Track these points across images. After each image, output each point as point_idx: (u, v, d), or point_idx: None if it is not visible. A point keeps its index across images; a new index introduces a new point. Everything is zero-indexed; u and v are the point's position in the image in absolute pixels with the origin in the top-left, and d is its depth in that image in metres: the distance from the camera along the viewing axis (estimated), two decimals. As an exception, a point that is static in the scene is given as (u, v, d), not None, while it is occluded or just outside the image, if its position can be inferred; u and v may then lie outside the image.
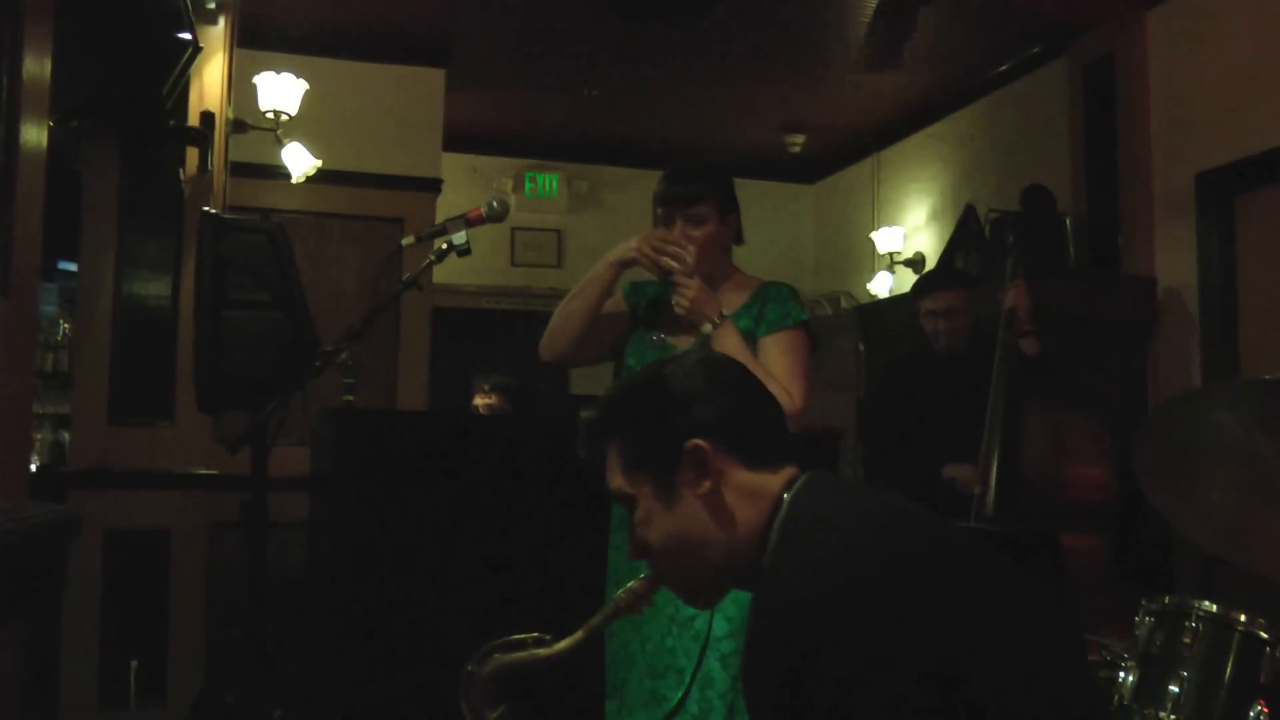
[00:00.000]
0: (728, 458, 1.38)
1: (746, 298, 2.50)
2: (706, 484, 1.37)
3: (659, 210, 2.49)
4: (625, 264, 2.47)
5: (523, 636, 1.55)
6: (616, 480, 1.43)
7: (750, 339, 2.43)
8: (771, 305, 2.46)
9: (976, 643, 1.19)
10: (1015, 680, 1.19)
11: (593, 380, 5.91)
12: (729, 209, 2.51)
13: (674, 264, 2.39)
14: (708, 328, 2.37)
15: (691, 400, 1.40)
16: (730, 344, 2.36)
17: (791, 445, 1.45)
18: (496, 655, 1.55)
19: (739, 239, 2.58)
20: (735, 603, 2.28)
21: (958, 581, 1.25)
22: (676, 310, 2.41)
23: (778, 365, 2.40)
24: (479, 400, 5.28)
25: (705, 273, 2.47)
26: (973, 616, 1.21)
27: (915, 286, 3.94)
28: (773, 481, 1.38)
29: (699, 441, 1.36)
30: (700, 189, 2.46)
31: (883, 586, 1.20)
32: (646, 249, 2.41)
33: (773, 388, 2.32)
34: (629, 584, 1.52)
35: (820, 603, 1.20)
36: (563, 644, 1.52)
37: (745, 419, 1.41)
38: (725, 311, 2.40)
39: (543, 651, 1.53)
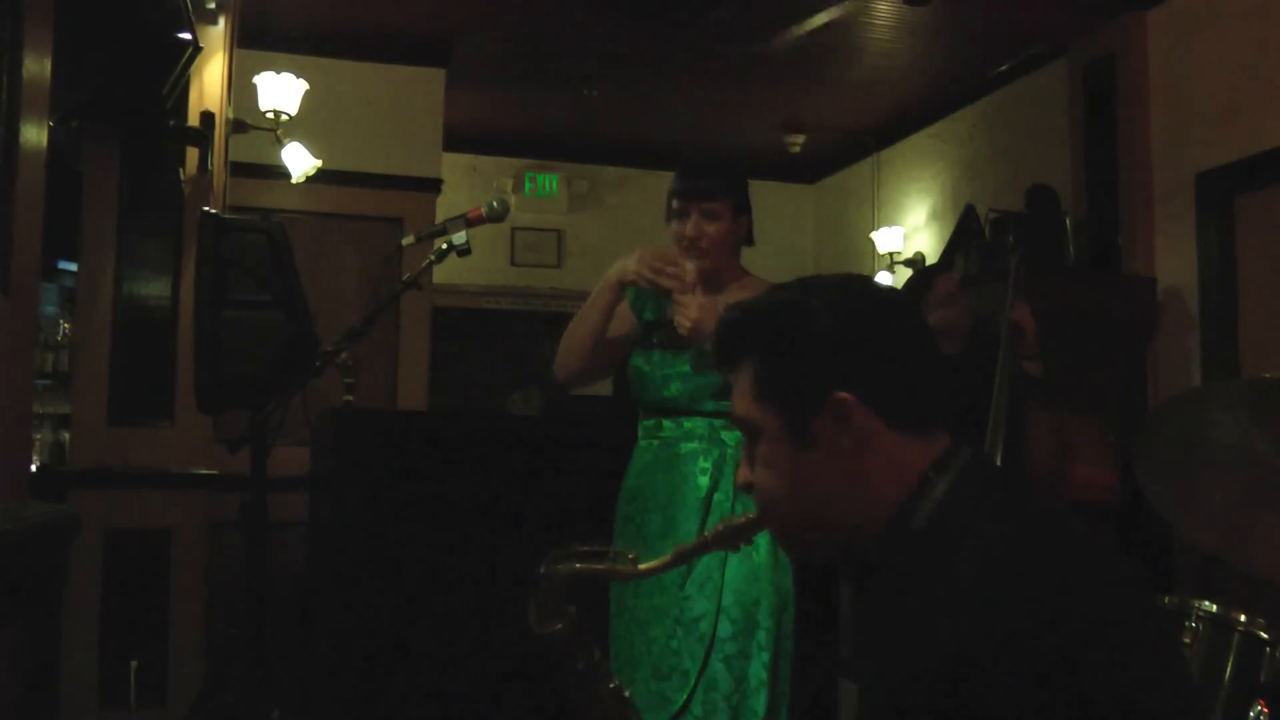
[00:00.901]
0: (876, 417, 1.20)
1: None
2: (846, 439, 1.20)
3: (674, 203, 2.50)
4: (625, 284, 2.47)
5: (602, 548, 1.47)
6: (744, 403, 1.27)
7: None
8: None
9: (1135, 691, 1.08)
10: (1154, 701, 1.09)
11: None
12: (742, 208, 2.53)
13: (673, 283, 2.40)
14: (708, 346, 2.38)
15: (844, 345, 1.22)
16: None
17: (949, 412, 1.27)
18: (572, 563, 1.46)
19: (749, 240, 2.59)
20: (739, 604, 2.28)
21: (1121, 621, 1.13)
22: (679, 329, 2.42)
23: None
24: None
25: (714, 267, 2.49)
26: (1134, 663, 1.10)
27: (910, 284, 3.88)
28: (921, 452, 1.22)
29: (846, 395, 1.19)
30: (717, 185, 2.49)
31: (1050, 604, 1.08)
32: (645, 270, 2.42)
33: None
34: (729, 519, 1.41)
35: (986, 608, 1.07)
36: (646, 566, 1.44)
37: (903, 378, 1.23)
38: None
39: (622, 568, 1.46)
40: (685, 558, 1.44)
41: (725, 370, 1.31)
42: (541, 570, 1.46)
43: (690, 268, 2.42)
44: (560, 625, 1.46)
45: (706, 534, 1.42)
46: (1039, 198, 4.94)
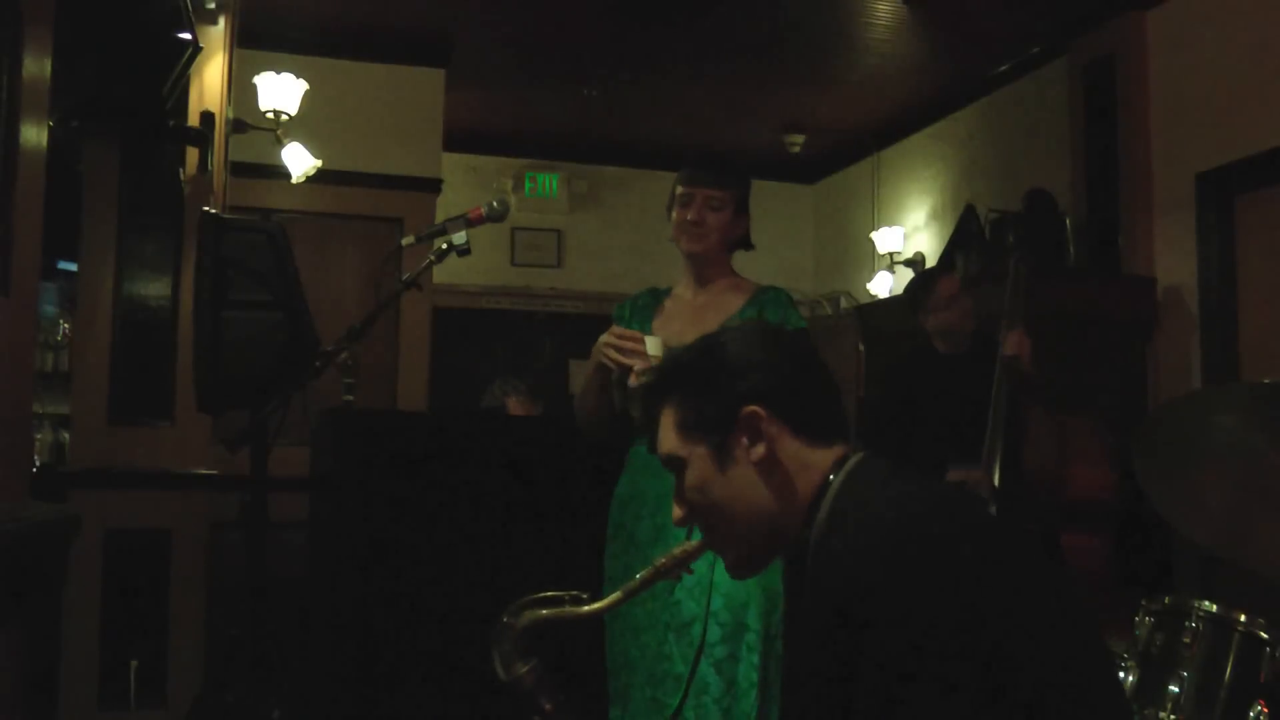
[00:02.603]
0: (782, 426, 1.39)
1: (743, 301, 2.53)
2: (760, 449, 1.38)
3: (679, 189, 2.55)
4: (603, 368, 2.47)
5: (559, 594, 1.57)
6: (670, 442, 1.44)
7: None
8: (770, 311, 2.50)
9: (1026, 631, 1.20)
10: (1060, 668, 1.21)
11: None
12: (743, 208, 2.59)
13: (635, 361, 2.39)
14: None
15: (749, 368, 1.41)
16: None
17: (845, 423, 1.46)
18: (531, 610, 1.57)
19: (747, 244, 2.62)
20: (728, 608, 2.29)
21: (1006, 570, 1.27)
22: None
23: None
24: (514, 408, 5.18)
25: (707, 257, 2.54)
26: (1021, 605, 1.23)
27: (911, 286, 3.87)
28: (824, 456, 1.40)
29: (755, 408, 1.38)
30: (724, 178, 2.54)
31: (938, 572, 1.22)
32: (610, 352, 2.42)
33: None
34: (674, 549, 1.54)
35: (878, 584, 1.21)
36: (600, 603, 1.55)
37: (801, 390, 1.43)
38: (719, 320, 2.42)
39: (578, 609, 1.56)
40: (632, 594, 1.55)
41: (651, 423, 1.48)
42: (502, 620, 1.57)
43: (654, 341, 2.43)
44: (525, 670, 1.56)
45: (653, 567, 1.54)
46: (1037, 202, 4.94)
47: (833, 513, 1.35)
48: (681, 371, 1.47)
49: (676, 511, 1.47)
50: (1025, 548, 1.33)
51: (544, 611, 1.56)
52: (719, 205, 2.52)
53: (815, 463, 1.39)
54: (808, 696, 1.31)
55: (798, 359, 1.46)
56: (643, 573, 1.55)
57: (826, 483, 1.38)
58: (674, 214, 2.56)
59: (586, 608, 1.55)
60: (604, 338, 2.46)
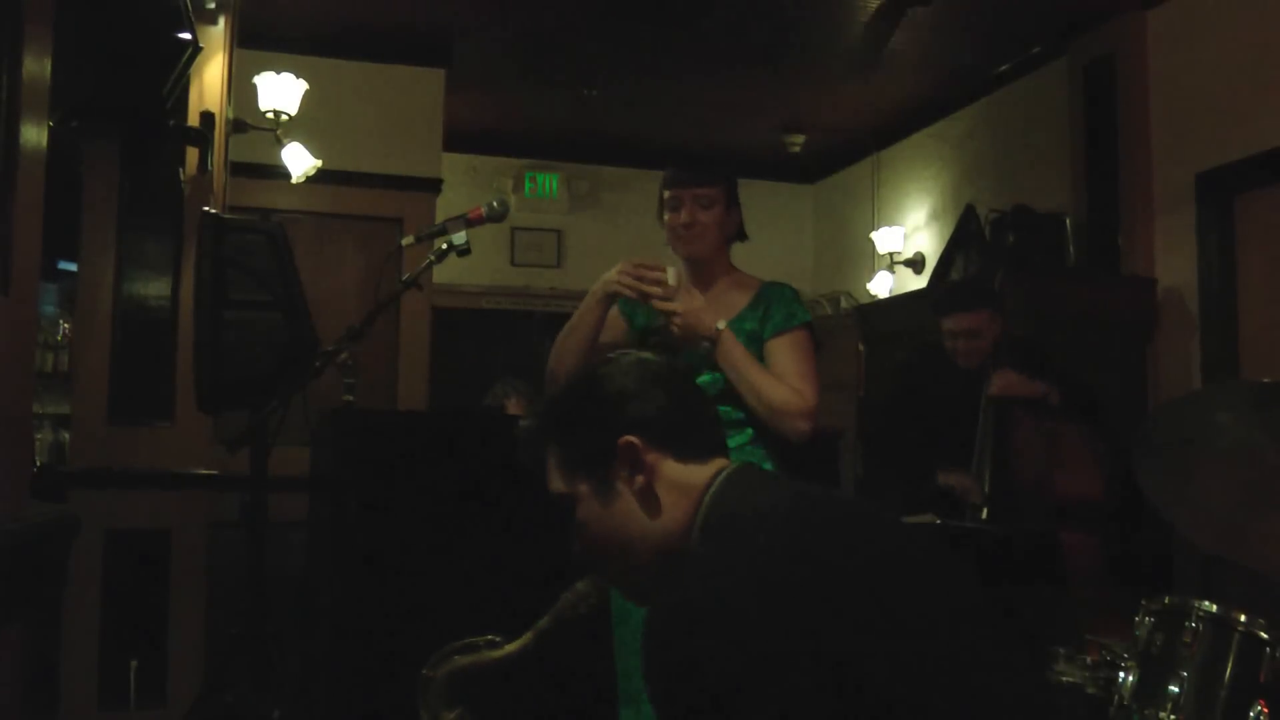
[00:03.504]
0: (660, 453, 1.41)
1: (748, 298, 2.51)
2: (640, 479, 1.41)
3: (666, 193, 2.52)
4: (611, 297, 2.48)
5: (475, 640, 1.59)
6: (556, 483, 1.48)
7: (756, 341, 2.44)
8: (776, 307, 2.48)
9: (880, 637, 1.20)
10: (920, 674, 1.20)
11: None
12: (733, 201, 2.55)
13: (655, 289, 2.40)
14: (706, 345, 2.38)
15: (624, 399, 1.44)
16: (734, 355, 2.38)
17: (724, 440, 1.50)
18: (452, 658, 1.59)
19: (742, 235, 2.60)
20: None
21: (865, 575, 1.27)
22: (674, 330, 2.42)
23: (786, 366, 2.41)
24: (513, 409, 5.17)
25: (706, 258, 2.51)
26: (879, 611, 1.23)
27: (935, 301, 3.83)
28: (702, 474, 1.42)
29: (631, 438, 1.41)
30: (710, 174, 2.51)
31: (784, 582, 1.23)
32: (626, 279, 2.43)
33: (787, 392, 2.35)
34: (575, 584, 1.55)
35: (719, 593, 1.22)
36: (511, 646, 1.56)
37: (677, 415, 1.45)
38: (723, 324, 2.41)
39: (492, 654, 1.57)
40: (544, 635, 1.55)
41: (537, 464, 1.51)
42: (424, 674, 1.59)
43: (672, 272, 2.43)
44: (453, 717, 1.59)
45: (555, 606, 1.55)
46: (1021, 219, 4.95)
47: (705, 526, 1.37)
48: (561, 412, 1.49)
49: (574, 548, 1.49)
50: (899, 554, 1.34)
51: (464, 660, 1.58)
52: (709, 203, 2.49)
53: (694, 481, 1.41)
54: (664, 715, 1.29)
55: (669, 383, 1.47)
56: (549, 613, 1.55)
57: (701, 500, 1.40)
58: (665, 219, 2.53)
59: (500, 651, 1.57)
60: (614, 271, 2.44)
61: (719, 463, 1.44)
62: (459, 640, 1.61)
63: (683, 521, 1.40)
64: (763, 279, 2.58)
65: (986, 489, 3.23)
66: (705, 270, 2.55)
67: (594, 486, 1.43)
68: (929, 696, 1.20)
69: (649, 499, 1.41)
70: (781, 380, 2.39)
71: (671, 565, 1.39)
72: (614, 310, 2.57)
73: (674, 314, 2.40)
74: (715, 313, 2.44)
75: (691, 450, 1.43)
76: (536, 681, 2.46)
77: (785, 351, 2.43)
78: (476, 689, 1.59)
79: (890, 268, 6.82)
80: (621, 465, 1.41)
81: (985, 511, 3.19)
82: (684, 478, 1.41)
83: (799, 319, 2.47)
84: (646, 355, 1.55)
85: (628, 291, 2.43)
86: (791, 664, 1.17)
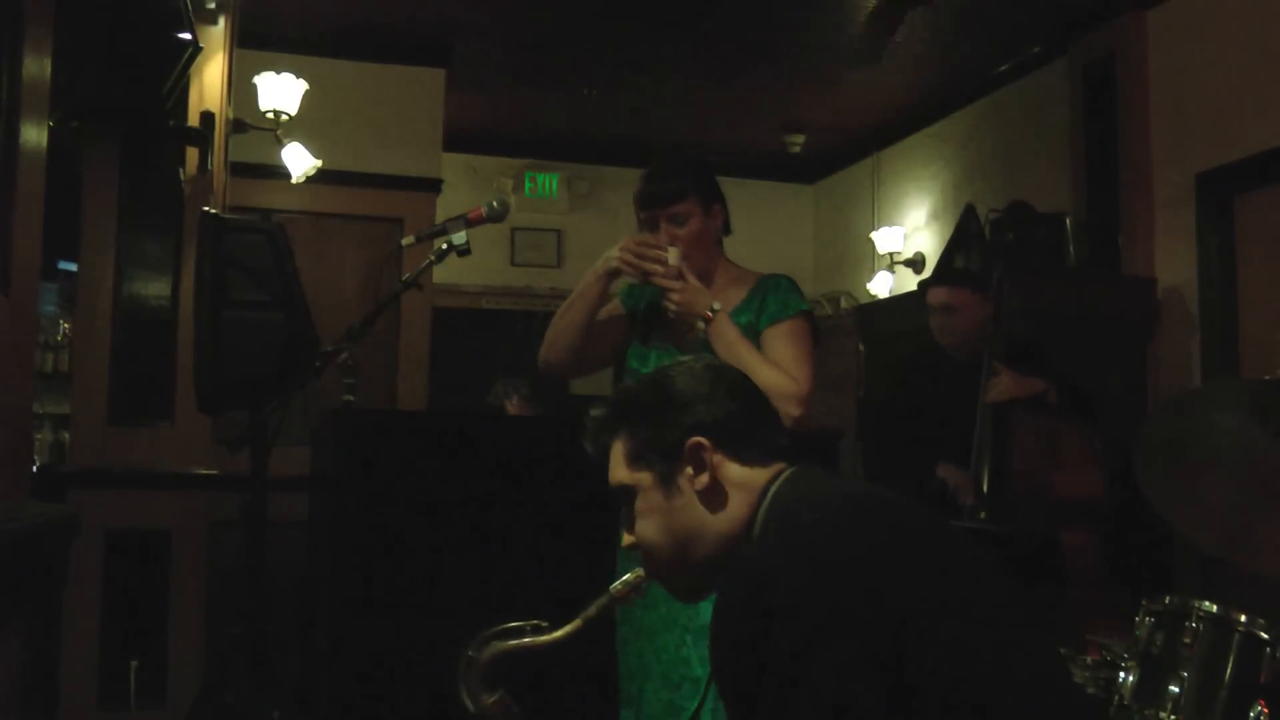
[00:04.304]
0: (724, 455, 1.49)
1: (745, 292, 2.49)
2: (704, 478, 1.47)
3: (641, 214, 2.49)
4: (612, 274, 2.46)
5: (519, 624, 1.63)
6: (620, 472, 1.54)
7: (753, 333, 2.43)
8: (772, 297, 2.46)
9: (926, 622, 1.26)
10: (962, 662, 1.26)
11: (593, 382, 5.91)
12: (711, 200, 2.49)
13: (656, 267, 2.39)
14: (701, 325, 2.37)
15: (694, 401, 1.51)
16: (727, 336, 2.36)
17: (785, 445, 1.55)
18: (494, 642, 1.63)
19: (727, 229, 2.57)
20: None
21: (918, 565, 1.33)
22: (668, 312, 2.41)
23: (781, 353, 2.40)
24: (512, 409, 5.17)
25: (697, 269, 2.46)
26: (927, 599, 1.29)
27: (920, 282, 3.88)
28: (763, 475, 1.49)
29: (699, 439, 1.48)
30: (678, 186, 2.45)
31: (839, 562, 1.29)
32: (628, 256, 2.41)
33: (778, 375, 2.34)
34: (624, 576, 1.60)
35: (777, 573, 1.28)
36: (558, 633, 1.61)
37: (742, 420, 1.52)
38: (719, 305, 2.39)
39: (539, 639, 1.62)
40: (590, 620, 1.61)
41: (601, 455, 1.58)
42: (467, 654, 1.64)
43: (675, 252, 2.41)
44: (492, 701, 1.63)
45: (608, 594, 1.62)
46: (1018, 215, 4.92)
47: (765, 524, 1.44)
48: (631, 405, 1.56)
49: (626, 539, 1.56)
50: (945, 546, 1.39)
51: (508, 643, 1.63)
52: (684, 218, 2.44)
53: (754, 483, 1.48)
54: (731, 698, 1.35)
55: (736, 390, 1.56)
56: (599, 600, 1.62)
57: (764, 496, 1.46)
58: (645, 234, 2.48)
59: (546, 637, 1.62)
60: (616, 248, 2.42)
61: (778, 465, 1.50)
62: (499, 626, 1.65)
63: (743, 519, 1.46)
64: (760, 272, 2.55)
65: (985, 489, 3.22)
66: (702, 275, 2.50)
67: (657, 480, 1.50)
68: (982, 671, 1.26)
69: (710, 497, 1.48)
70: (776, 367, 2.37)
71: (727, 561, 1.45)
72: (614, 300, 2.56)
73: (671, 293, 2.38)
74: (713, 297, 2.43)
75: (754, 453, 1.50)
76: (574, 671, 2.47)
77: (780, 339, 2.42)
78: (517, 674, 1.63)
79: (890, 268, 6.82)
80: (687, 463, 1.48)
81: (984, 514, 3.18)
82: (746, 479, 1.48)
83: (795, 307, 2.44)
84: (715, 360, 1.64)
85: (627, 269, 2.41)
86: (854, 643, 1.22)
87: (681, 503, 1.48)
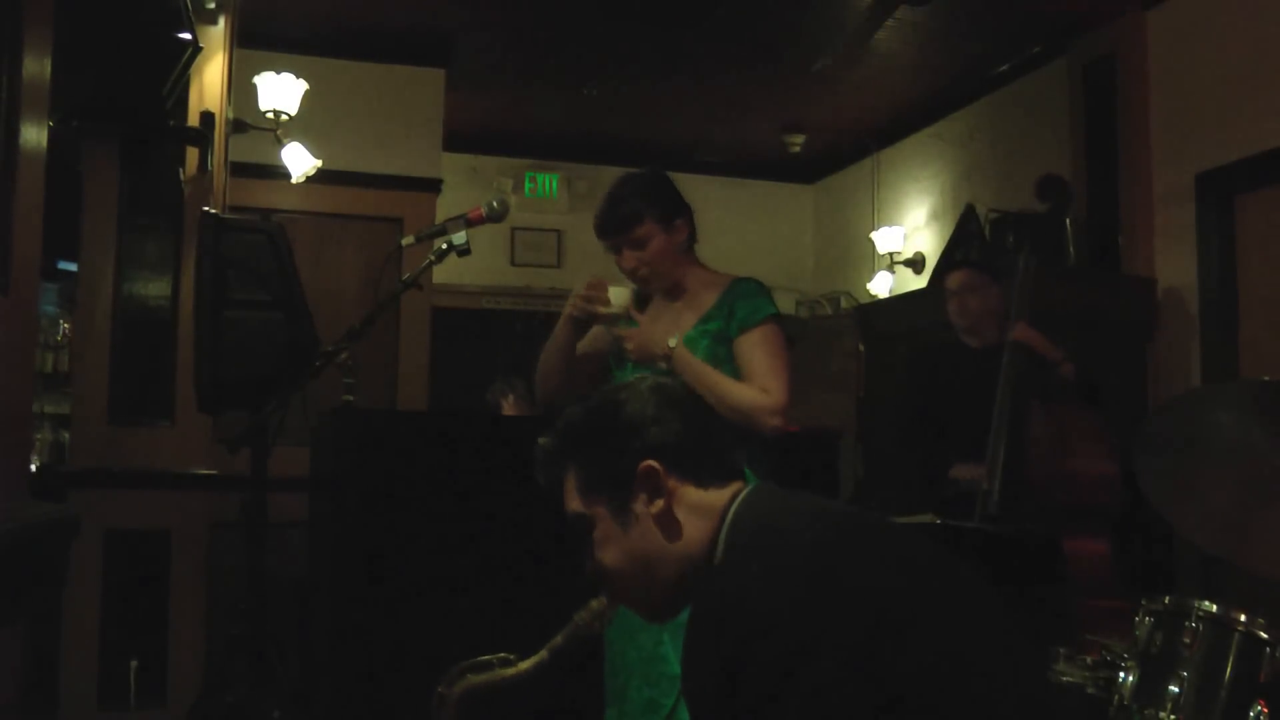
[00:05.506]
0: (679, 478, 1.45)
1: (716, 297, 2.50)
2: (659, 503, 1.43)
3: (603, 244, 2.53)
4: (577, 321, 2.50)
5: (488, 658, 1.59)
6: (574, 504, 1.50)
7: (724, 340, 2.45)
8: (740, 303, 2.47)
9: (901, 630, 1.24)
10: (940, 666, 1.23)
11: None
12: (672, 215, 2.50)
13: (603, 310, 2.43)
14: (662, 365, 2.39)
15: (644, 425, 1.47)
16: (691, 368, 2.39)
17: (740, 464, 1.52)
18: (466, 676, 1.59)
19: (694, 237, 2.57)
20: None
21: (886, 575, 1.31)
22: (628, 358, 2.45)
23: (755, 363, 2.41)
24: (508, 408, 5.17)
25: (667, 284, 2.52)
26: (899, 607, 1.26)
27: (934, 271, 3.95)
28: (721, 497, 1.44)
29: (651, 463, 1.43)
30: (630, 211, 2.47)
31: (810, 579, 1.26)
32: (580, 304, 2.45)
33: (749, 393, 2.36)
34: (589, 603, 1.55)
35: (749, 594, 1.26)
36: (525, 664, 1.57)
37: (695, 441, 1.48)
38: (674, 342, 2.42)
39: (506, 672, 1.57)
40: (558, 652, 1.55)
41: (554, 485, 1.53)
42: (439, 691, 1.60)
43: (622, 292, 2.45)
44: None
45: (571, 624, 1.55)
46: (1050, 189, 4.90)
47: (728, 547, 1.40)
48: (580, 434, 1.51)
49: (588, 566, 1.50)
50: (916, 557, 1.37)
51: (477, 678, 1.59)
52: (644, 241, 2.46)
53: (714, 504, 1.44)
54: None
55: (687, 410, 1.50)
56: (563, 631, 1.56)
57: (724, 518, 1.42)
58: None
59: (512, 670, 1.57)
60: (572, 297, 2.49)
61: (736, 485, 1.46)
62: (465, 655, 1.62)
63: (703, 543, 1.42)
64: (733, 275, 2.55)
65: (999, 479, 3.23)
66: (675, 287, 2.54)
67: (612, 509, 1.45)
68: (955, 682, 1.24)
69: (668, 522, 1.43)
70: (750, 379, 2.39)
71: (691, 584, 1.42)
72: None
73: (624, 338, 2.43)
74: (671, 325, 2.46)
75: (709, 474, 1.46)
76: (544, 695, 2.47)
77: (752, 348, 2.43)
78: (489, 708, 1.59)
79: (890, 268, 6.82)
80: (640, 489, 1.44)
81: (996, 494, 3.20)
82: (703, 502, 1.44)
83: (763, 312, 2.45)
84: (664, 380, 1.58)
85: (582, 316, 2.46)
86: (834, 659, 1.20)
87: (639, 530, 1.44)
